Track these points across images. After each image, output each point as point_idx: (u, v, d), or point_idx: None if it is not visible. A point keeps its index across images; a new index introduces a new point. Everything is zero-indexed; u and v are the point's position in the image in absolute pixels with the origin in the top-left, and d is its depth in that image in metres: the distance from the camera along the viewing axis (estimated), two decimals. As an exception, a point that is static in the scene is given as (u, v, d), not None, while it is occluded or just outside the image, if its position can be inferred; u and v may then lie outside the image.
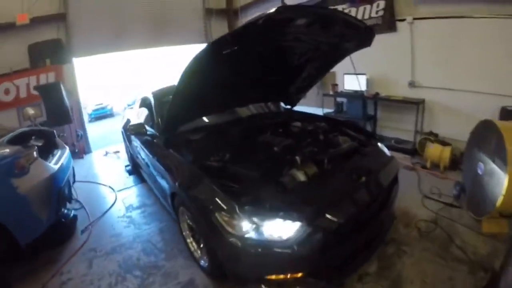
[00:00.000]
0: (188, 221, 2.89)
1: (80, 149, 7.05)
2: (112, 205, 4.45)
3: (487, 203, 2.86)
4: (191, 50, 7.65)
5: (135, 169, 5.25)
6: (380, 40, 5.24)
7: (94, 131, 11.32)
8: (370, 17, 5.49)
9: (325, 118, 4.09)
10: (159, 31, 7.61)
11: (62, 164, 3.70)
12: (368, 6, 5.52)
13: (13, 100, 6.16)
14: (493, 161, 2.85)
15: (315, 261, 2.14)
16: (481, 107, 4.22)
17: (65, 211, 3.87)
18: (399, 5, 5.12)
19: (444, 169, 4.35)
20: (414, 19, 4.93)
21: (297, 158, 2.76)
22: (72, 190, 4.63)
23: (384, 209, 2.65)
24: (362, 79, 5.61)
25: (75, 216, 4.00)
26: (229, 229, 2.14)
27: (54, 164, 3.55)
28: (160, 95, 3.87)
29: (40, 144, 3.76)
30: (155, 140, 3.45)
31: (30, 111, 6.06)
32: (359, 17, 5.51)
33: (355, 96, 5.80)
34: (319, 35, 2.88)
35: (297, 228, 2.07)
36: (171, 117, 3.11)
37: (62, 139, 6.28)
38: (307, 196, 2.32)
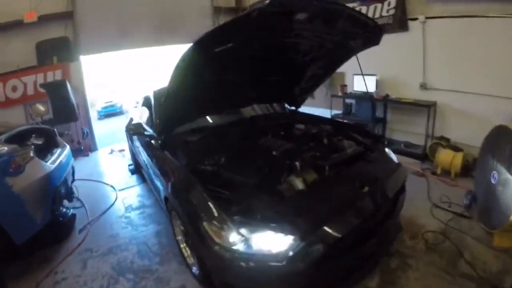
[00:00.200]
0: (181, 226, 2.78)
1: (86, 147, 7.04)
2: (112, 205, 4.40)
3: (500, 215, 2.67)
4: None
5: (137, 168, 5.20)
6: (391, 39, 5.12)
7: (102, 128, 11.41)
8: (381, 16, 5.30)
9: (330, 120, 3.95)
10: (166, 29, 7.51)
11: (60, 163, 3.65)
12: (379, 5, 5.32)
13: (20, 97, 6.19)
14: (508, 171, 2.66)
15: (310, 277, 1.99)
16: (496, 111, 4.00)
17: (64, 210, 3.83)
18: (411, 4, 4.92)
19: (455, 176, 4.14)
20: (427, 18, 4.72)
21: (297, 163, 2.62)
22: (74, 188, 4.64)
23: (388, 220, 2.49)
24: (372, 80, 5.43)
25: (73, 215, 3.97)
26: (217, 240, 2.02)
27: (51, 163, 3.50)
28: (160, 95, 3.71)
29: (40, 142, 3.79)
30: (152, 141, 3.35)
31: (41, 107, 6.11)
32: (370, 15, 5.31)
33: (364, 97, 5.61)
34: (323, 32, 2.71)
35: (290, 242, 1.92)
36: (166, 118, 3.00)
37: (68, 137, 6.44)
38: (304, 206, 2.17)
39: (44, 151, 3.71)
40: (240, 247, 1.96)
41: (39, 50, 6.39)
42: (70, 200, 4.42)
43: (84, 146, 6.99)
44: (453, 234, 2.99)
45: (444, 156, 4.20)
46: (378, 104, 5.56)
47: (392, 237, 2.72)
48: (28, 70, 6.30)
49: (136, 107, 5.65)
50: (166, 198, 2.87)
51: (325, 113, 6.56)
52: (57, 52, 6.51)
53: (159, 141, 3.14)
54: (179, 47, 7.42)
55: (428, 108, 4.73)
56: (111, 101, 16.88)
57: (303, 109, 7.37)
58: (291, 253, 1.90)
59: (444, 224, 3.15)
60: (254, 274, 1.98)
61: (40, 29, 6.22)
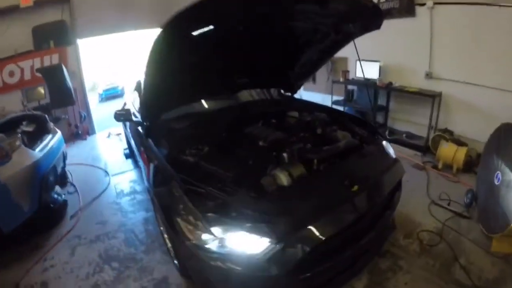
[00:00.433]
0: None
1: (84, 131, 7.01)
2: (104, 190, 4.38)
3: (501, 219, 2.51)
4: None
5: (131, 153, 5.12)
6: (396, 25, 4.90)
7: (103, 111, 11.30)
8: (387, 0, 4.99)
9: (326, 108, 3.70)
10: (165, 10, 7.24)
11: (48, 150, 3.63)
12: (385, -12, 5.00)
13: (17, 82, 6.14)
14: (513, 172, 2.49)
15: (287, 282, 1.88)
16: (505, 106, 3.77)
17: (55, 196, 3.85)
18: (419, -12, 4.60)
19: (457, 172, 3.95)
20: (435, 3, 4.41)
21: (285, 155, 2.47)
22: (68, 173, 4.75)
23: (380, 220, 2.33)
24: (375, 67, 5.20)
25: (65, 201, 3.98)
26: (190, 236, 1.91)
27: (39, 151, 3.47)
28: None
29: (30, 129, 3.77)
30: (139, 128, 3.20)
31: (42, 91, 6.21)
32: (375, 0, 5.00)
33: (367, 84, 5.33)
34: (316, 13, 2.53)
35: (265, 244, 1.80)
36: (148, 105, 2.82)
37: (65, 121, 6.47)
38: (286, 204, 2.02)
39: (34, 138, 3.68)
40: (212, 246, 1.85)
41: (35, 35, 6.28)
42: (64, 185, 4.52)
43: (81, 130, 6.96)
44: (450, 235, 2.86)
45: (447, 150, 4.01)
46: (380, 91, 5.35)
47: (383, 238, 2.58)
48: (24, 55, 6.22)
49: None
50: (147, 188, 2.79)
51: (326, 98, 6.44)
52: (53, 36, 6.41)
53: (144, 128, 2.99)
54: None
55: (433, 98, 4.49)
56: (112, 84, 16.66)
57: (305, 94, 7.31)
58: (266, 256, 1.79)
59: (442, 224, 3.00)
60: (227, 275, 1.87)
61: (36, 13, 6.08)
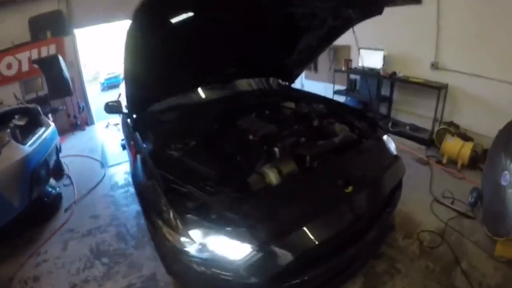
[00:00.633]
0: None
1: (82, 121, 7.00)
2: (98, 183, 4.36)
3: (508, 222, 2.36)
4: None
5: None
6: (401, 12, 4.64)
7: (104, 100, 11.18)
8: (390, -15, 4.72)
9: (325, 99, 3.51)
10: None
11: (39, 144, 3.56)
12: (390, -29, 4.73)
13: (15, 74, 6.15)
14: (521, 173, 2.33)
15: None
16: (514, 101, 3.57)
17: (49, 189, 3.83)
18: (426, -28, 4.35)
19: (461, 168, 3.78)
20: (442, -10, 4.17)
21: (276, 150, 2.33)
22: (64, 165, 4.78)
23: (378, 221, 2.17)
24: (379, 56, 4.99)
25: (59, 194, 3.97)
26: (169, 237, 1.80)
27: (30, 145, 3.41)
28: None
29: (22, 123, 3.72)
30: (128, 120, 3.05)
31: (41, 82, 6.25)
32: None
33: (369, 74, 5.15)
34: None
35: (246, 251, 1.68)
36: (131, 97, 2.63)
37: (62, 112, 6.46)
38: (272, 206, 1.90)
39: (27, 131, 3.63)
40: (191, 250, 1.74)
41: (32, 26, 6.27)
42: (60, 177, 4.54)
43: (80, 121, 6.94)
44: (452, 237, 2.72)
45: (452, 144, 3.83)
46: (384, 81, 5.14)
47: (381, 240, 2.46)
48: (22, 46, 6.20)
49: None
50: None
51: (328, 88, 6.27)
52: (50, 26, 6.40)
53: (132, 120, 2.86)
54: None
55: (439, 90, 4.28)
56: (114, 72, 16.52)
57: (306, 83, 7.13)
58: (246, 264, 1.67)
59: (444, 224, 2.86)
60: (207, 279, 1.77)
61: (32, 4, 6.07)
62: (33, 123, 3.90)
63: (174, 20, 2.01)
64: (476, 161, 3.73)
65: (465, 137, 3.92)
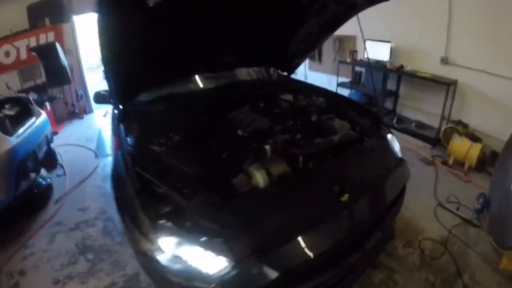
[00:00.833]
0: None
1: (80, 109, 6.87)
2: (91, 173, 4.27)
3: (516, 235, 2.21)
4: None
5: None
6: (411, 2, 4.33)
7: (105, 88, 11.10)
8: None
9: (326, 92, 3.25)
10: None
11: (28, 135, 3.44)
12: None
13: (13, 62, 6.02)
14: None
15: None
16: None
17: (39, 180, 3.75)
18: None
19: (468, 170, 3.60)
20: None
21: (267, 147, 2.14)
22: (58, 155, 4.69)
23: (376, 231, 1.98)
24: (386, 48, 4.75)
25: (49, 185, 3.89)
26: (141, 242, 1.63)
27: (16, 136, 3.28)
28: None
29: (12, 113, 3.64)
30: (115, 111, 2.85)
31: (39, 70, 6.08)
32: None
33: (375, 66, 4.90)
34: None
35: (221, 265, 1.50)
36: (116, 86, 2.42)
37: (60, 100, 6.38)
38: (256, 213, 1.69)
39: (17, 121, 3.51)
40: (162, 259, 1.56)
41: (30, 13, 6.11)
42: (53, 168, 4.44)
43: (78, 109, 6.82)
44: (456, 246, 2.56)
45: (460, 145, 3.63)
46: (391, 75, 4.90)
47: (379, 250, 2.27)
48: (20, 34, 6.06)
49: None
50: None
51: (332, 80, 6.06)
52: (49, 13, 6.26)
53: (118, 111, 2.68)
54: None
55: (448, 86, 4.06)
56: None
57: (310, 74, 6.91)
58: (219, 279, 1.49)
59: (448, 231, 2.70)
60: None
61: None
62: (24, 113, 3.78)
63: (152, 3, 1.79)
64: (484, 163, 3.54)
65: (474, 138, 3.74)
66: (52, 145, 4.78)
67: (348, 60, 5.58)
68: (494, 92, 3.80)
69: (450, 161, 3.74)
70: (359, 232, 1.85)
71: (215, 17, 2.43)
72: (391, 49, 4.75)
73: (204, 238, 1.53)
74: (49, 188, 3.85)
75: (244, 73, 3.51)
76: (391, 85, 5.06)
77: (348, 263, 1.82)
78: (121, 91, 2.48)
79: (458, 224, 2.80)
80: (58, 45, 5.84)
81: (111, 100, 2.79)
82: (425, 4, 4.28)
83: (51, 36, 6.33)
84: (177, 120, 2.51)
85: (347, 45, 5.70)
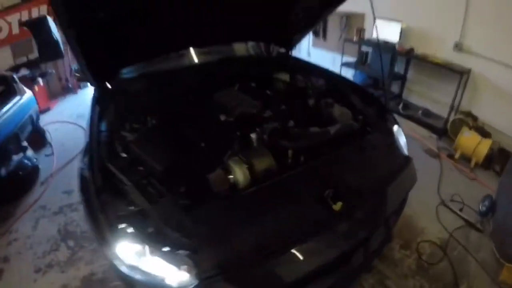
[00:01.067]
0: None
1: (74, 85, 6.64)
2: (78, 153, 3.95)
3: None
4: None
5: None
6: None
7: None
8: None
9: (328, 73, 2.88)
10: None
11: (8, 117, 3.28)
12: None
13: (6, 37, 5.76)
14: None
15: None
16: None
17: (25, 161, 3.61)
18: None
19: (475, 166, 3.38)
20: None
21: (253, 136, 1.90)
22: (47, 133, 4.51)
23: (374, 237, 1.81)
24: (395, 28, 4.41)
25: (35, 167, 3.76)
26: (103, 246, 1.45)
27: None
28: None
29: None
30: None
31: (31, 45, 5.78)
32: None
33: (384, 47, 4.52)
34: None
35: (183, 279, 1.32)
36: (87, 63, 2.09)
37: (54, 76, 6.18)
38: (228, 221, 1.47)
39: (0, 101, 3.37)
40: (121, 266, 1.40)
41: None
42: (42, 147, 4.31)
43: (72, 84, 6.59)
44: (456, 252, 2.41)
45: (468, 139, 3.39)
46: (399, 57, 4.58)
47: (375, 255, 2.11)
48: (12, 8, 5.75)
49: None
50: None
51: (337, 59, 5.75)
52: None
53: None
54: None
55: (460, 75, 3.77)
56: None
57: (313, 51, 6.55)
58: None
59: (449, 234, 2.54)
60: None
61: None
62: (8, 92, 3.62)
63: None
64: (491, 161, 3.31)
65: (483, 132, 3.50)
66: (42, 122, 4.65)
67: (355, 38, 5.24)
68: (509, 85, 3.51)
69: (457, 155, 3.52)
70: (350, 249, 1.62)
71: None
72: (402, 30, 4.41)
73: (167, 249, 1.34)
74: (35, 169, 3.72)
75: (237, 48, 3.18)
76: (399, 68, 4.75)
77: (341, 271, 1.64)
78: (95, 68, 2.16)
79: (460, 226, 2.64)
80: (50, 19, 5.58)
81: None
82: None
83: (43, 10, 6.04)
84: (157, 102, 2.27)
85: (355, 23, 5.34)
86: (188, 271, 1.30)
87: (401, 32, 4.42)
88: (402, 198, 1.96)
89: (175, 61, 2.82)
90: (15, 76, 3.89)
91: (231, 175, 1.65)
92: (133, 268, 1.38)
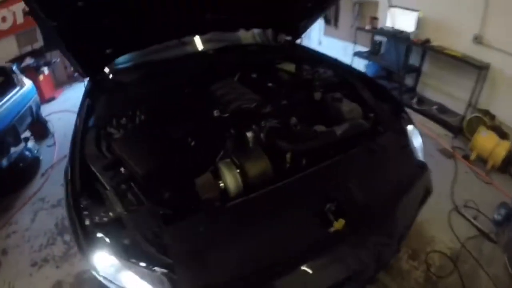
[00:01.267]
0: None
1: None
2: None
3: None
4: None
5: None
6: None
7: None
8: None
9: (338, 64, 2.61)
10: None
11: (5, 109, 3.26)
12: None
13: (10, 27, 5.73)
14: None
15: None
16: None
17: (26, 153, 3.64)
18: None
19: (491, 169, 3.16)
20: None
21: (249, 135, 1.69)
22: (50, 123, 4.52)
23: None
24: (411, 17, 4.13)
25: (36, 158, 3.79)
26: (80, 253, 1.38)
27: None
28: None
29: None
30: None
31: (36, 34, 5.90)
32: None
33: (398, 37, 4.32)
34: None
35: None
36: (74, 54, 1.97)
37: (59, 64, 6.18)
38: (214, 239, 1.31)
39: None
40: (98, 276, 1.33)
41: None
42: (45, 137, 4.35)
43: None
44: (467, 265, 2.25)
45: (486, 140, 3.17)
46: (414, 49, 4.34)
47: (382, 267, 1.93)
48: None
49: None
50: None
51: (348, 48, 5.53)
52: None
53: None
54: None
55: (479, 70, 3.50)
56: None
57: (325, 40, 6.30)
58: None
59: (460, 244, 2.37)
60: None
61: None
62: (7, 84, 3.59)
63: None
64: (508, 164, 3.09)
65: (501, 133, 3.26)
66: (46, 112, 4.66)
67: (368, 27, 4.98)
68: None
69: (472, 156, 3.30)
70: (352, 274, 1.47)
71: None
72: (418, 19, 4.13)
73: (142, 264, 1.23)
74: (36, 160, 3.74)
75: (238, 36, 3.00)
76: (413, 60, 4.50)
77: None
78: (83, 59, 2.04)
79: (473, 236, 2.46)
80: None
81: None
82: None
83: (49, -3, 5.95)
84: (148, 95, 2.10)
85: (368, 11, 5.09)
86: None
87: (417, 22, 4.14)
88: (415, 214, 1.78)
89: (172, 49, 2.65)
90: (14, 68, 3.82)
91: (221, 180, 1.47)
92: (107, 280, 1.29)
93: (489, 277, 2.16)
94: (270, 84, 2.40)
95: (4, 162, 3.18)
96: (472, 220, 2.59)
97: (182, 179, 1.49)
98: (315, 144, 1.68)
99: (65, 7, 1.60)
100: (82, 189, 1.42)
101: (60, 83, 6.18)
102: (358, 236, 1.45)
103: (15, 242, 2.73)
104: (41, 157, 3.84)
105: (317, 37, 6.44)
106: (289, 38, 3.03)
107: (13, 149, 3.41)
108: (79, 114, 2.00)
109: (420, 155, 1.90)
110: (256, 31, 3.06)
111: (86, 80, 2.46)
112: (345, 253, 1.43)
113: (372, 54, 5.03)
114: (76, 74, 6.35)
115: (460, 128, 3.76)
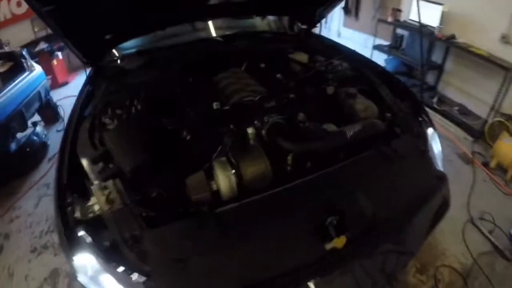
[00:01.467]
0: None
1: (91, 59, 6.54)
2: None
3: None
4: None
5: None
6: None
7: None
8: None
9: (354, 56, 2.38)
10: None
11: (12, 94, 3.25)
12: None
13: (26, 11, 5.70)
14: None
15: None
16: None
17: (33, 138, 3.65)
18: None
19: (511, 179, 2.95)
20: None
21: (250, 131, 1.55)
22: (60, 108, 4.57)
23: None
24: (436, 11, 3.89)
25: (44, 143, 3.80)
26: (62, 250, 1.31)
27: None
28: None
29: (4, 69, 3.50)
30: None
31: None
32: None
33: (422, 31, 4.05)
34: None
35: None
36: (74, 41, 1.92)
37: (66, 52, 6.00)
38: (199, 244, 1.22)
39: (8, 78, 3.39)
40: (80, 276, 1.24)
41: None
42: (55, 122, 4.42)
43: (88, 58, 6.50)
44: (477, 282, 2.10)
45: (508, 147, 2.94)
46: (438, 44, 4.09)
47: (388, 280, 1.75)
48: None
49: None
50: None
51: (369, 40, 5.32)
52: None
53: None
54: None
55: (506, 71, 3.24)
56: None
57: (344, 31, 6.06)
58: None
59: (473, 260, 2.22)
60: None
61: None
62: (16, 68, 3.60)
63: None
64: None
65: (525, 141, 3.01)
66: (58, 97, 4.72)
67: (389, 19, 4.73)
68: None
69: (492, 164, 3.09)
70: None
71: None
72: (443, 13, 3.87)
73: (121, 269, 1.14)
74: (43, 145, 3.75)
75: (254, 24, 2.85)
76: (436, 57, 4.25)
77: None
78: (83, 46, 1.99)
79: (486, 252, 2.30)
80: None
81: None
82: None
83: (64, -18, 5.91)
84: (148, 84, 1.98)
85: (390, 2, 4.87)
86: None
87: (442, 16, 3.89)
88: (429, 232, 1.64)
89: (182, 35, 2.57)
90: (24, 52, 3.80)
91: (214, 180, 1.35)
92: (87, 281, 1.22)
93: (500, 298, 2.01)
94: (279, 75, 2.22)
95: (11, 147, 3.19)
96: (487, 234, 2.42)
97: (173, 177, 1.39)
98: (321, 146, 1.49)
99: None
100: (69, 183, 1.35)
101: (74, 68, 6.16)
102: (359, 259, 1.32)
103: (17, 227, 2.77)
104: (49, 142, 3.85)
105: (337, 29, 6.27)
106: (304, 26, 2.82)
107: (20, 134, 3.43)
108: (77, 101, 1.94)
109: (439, 164, 1.71)
110: (271, 19, 2.91)
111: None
112: (343, 274, 1.32)
113: (393, 48, 4.80)
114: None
115: (481, 133, 3.52)
